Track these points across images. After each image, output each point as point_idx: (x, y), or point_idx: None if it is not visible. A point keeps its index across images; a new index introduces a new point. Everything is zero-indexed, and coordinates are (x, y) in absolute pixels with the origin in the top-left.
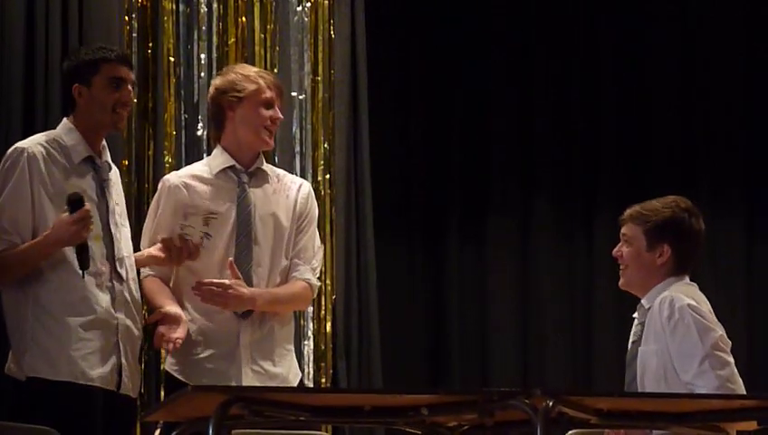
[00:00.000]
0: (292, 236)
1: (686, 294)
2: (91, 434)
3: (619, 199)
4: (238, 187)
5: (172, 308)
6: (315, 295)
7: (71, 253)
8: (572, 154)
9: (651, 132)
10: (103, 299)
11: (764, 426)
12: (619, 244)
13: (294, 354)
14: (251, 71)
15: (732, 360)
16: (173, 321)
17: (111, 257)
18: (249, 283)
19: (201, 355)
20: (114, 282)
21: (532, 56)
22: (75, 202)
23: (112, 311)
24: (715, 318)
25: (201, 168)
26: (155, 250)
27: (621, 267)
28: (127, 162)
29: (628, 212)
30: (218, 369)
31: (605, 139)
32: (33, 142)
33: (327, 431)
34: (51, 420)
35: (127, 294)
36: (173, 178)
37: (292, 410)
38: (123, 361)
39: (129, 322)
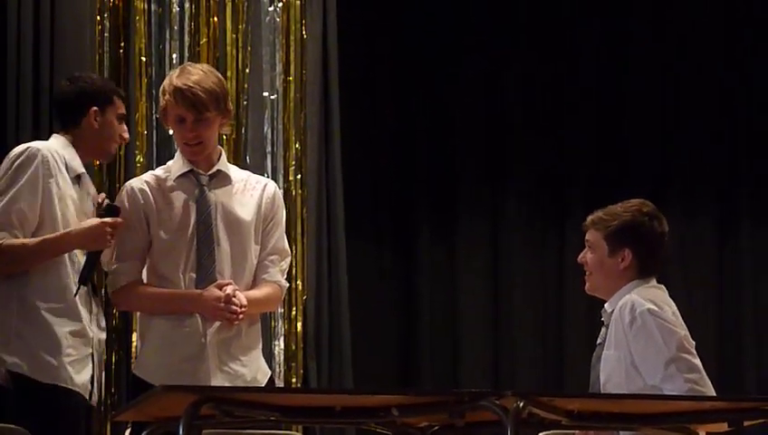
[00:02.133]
0: (259, 236)
1: (646, 298)
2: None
3: (591, 198)
4: (197, 189)
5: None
6: (284, 296)
7: (64, 261)
8: (543, 151)
9: (624, 132)
10: (84, 310)
11: (735, 428)
12: (584, 250)
13: (262, 354)
14: (173, 79)
15: (698, 361)
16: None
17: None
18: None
19: (169, 358)
20: (91, 295)
21: (502, 55)
22: (113, 209)
23: (89, 322)
24: (679, 320)
25: (161, 172)
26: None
27: (587, 273)
28: (98, 162)
29: (590, 218)
30: (186, 370)
31: (577, 136)
32: (43, 145)
33: (298, 431)
34: (31, 421)
35: (96, 307)
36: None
37: (262, 410)
38: (96, 372)
39: (101, 335)
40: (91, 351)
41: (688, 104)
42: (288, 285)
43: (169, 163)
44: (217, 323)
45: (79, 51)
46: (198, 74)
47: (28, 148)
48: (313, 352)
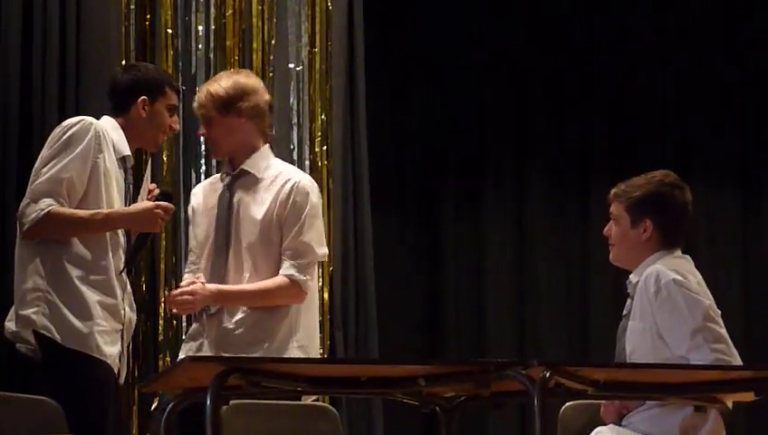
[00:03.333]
0: (278, 231)
1: (671, 268)
2: (107, 407)
3: (613, 169)
4: (220, 192)
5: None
6: (304, 290)
7: (104, 237)
8: (566, 124)
9: (645, 103)
10: (118, 287)
11: (761, 397)
12: (609, 222)
13: (271, 349)
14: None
15: (724, 331)
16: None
17: (126, 251)
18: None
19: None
20: (124, 275)
21: (525, 30)
22: (167, 195)
23: (122, 300)
24: (704, 289)
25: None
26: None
27: (610, 244)
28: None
29: (613, 191)
30: None
31: (598, 109)
32: (96, 121)
33: (324, 401)
34: (60, 391)
35: (129, 287)
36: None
37: (289, 380)
38: (124, 349)
39: (132, 315)
40: (121, 328)
41: (709, 77)
42: (307, 278)
43: None
44: (215, 319)
45: (104, 26)
46: (219, 79)
47: (82, 120)
48: (340, 323)
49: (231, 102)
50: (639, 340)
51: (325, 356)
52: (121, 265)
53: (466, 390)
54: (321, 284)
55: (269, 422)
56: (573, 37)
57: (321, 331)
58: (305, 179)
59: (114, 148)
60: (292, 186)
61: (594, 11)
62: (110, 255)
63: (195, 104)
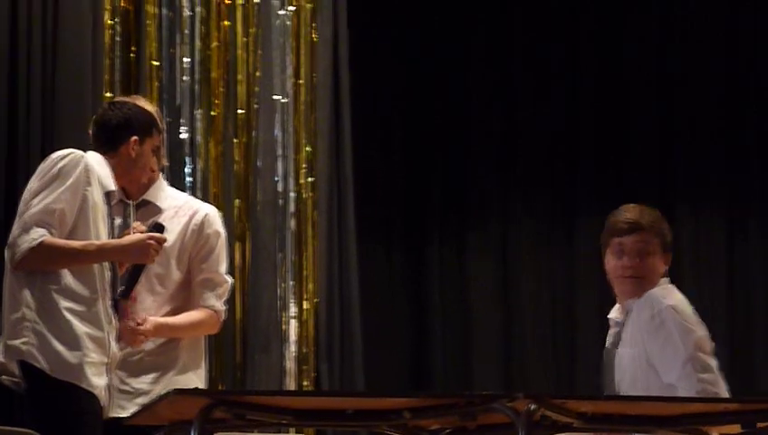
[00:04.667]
0: (184, 262)
1: (665, 296)
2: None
3: (598, 201)
4: (121, 218)
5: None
6: (223, 319)
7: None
8: (551, 157)
9: (630, 132)
10: (105, 321)
11: (748, 430)
12: (630, 254)
13: (195, 375)
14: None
15: (714, 363)
16: None
17: (113, 285)
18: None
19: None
20: (111, 309)
21: (512, 62)
22: (158, 226)
23: (108, 334)
24: (697, 319)
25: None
26: None
27: (631, 276)
28: None
29: (641, 221)
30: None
31: (583, 141)
32: (84, 153)
33: (310, 434)
34: (47, 424)
35: (115, 321)
36: None
37: (274, 413)
38: (109, 382)
39: (116, 349)
40: (107, 361)
41: (695, 102)
42: (225, 308)
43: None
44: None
45: (80, 58)
46: None
47: (72, 152)
48: (325, 355)
49: (117, 129)
50: (629, 367)
51: (311, 388)
52: (109, 299)
53: (452, 423)
54: (306, 316)
55: None
56: (559, 61)
57: (307, 363)
58: (213, 210)
59: (100, 182)
60: (203, 218)
61: (581, 36)
62: (99, 287)
63: None
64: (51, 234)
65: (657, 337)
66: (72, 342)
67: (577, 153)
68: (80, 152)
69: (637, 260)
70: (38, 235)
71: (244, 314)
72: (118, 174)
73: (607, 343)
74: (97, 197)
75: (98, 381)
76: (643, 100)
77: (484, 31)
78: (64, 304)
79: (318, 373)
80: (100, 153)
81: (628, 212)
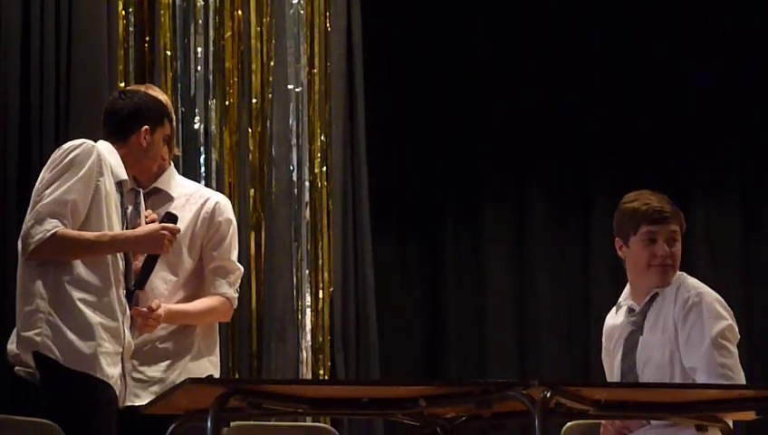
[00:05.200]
0: (196, 250)
1: (697, 283)
2: (110, 430)
3: (613, 186)
4: (134, 208)
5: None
6: (235, 306)
7: (106, 260)
8: (566, 141)
9: (645, 119)
10: (119, 311)
11: (762, 416)
12: (664, 243)
13: (191, 367)
14: None
15: (735, 351)
16: None
17: (126, 275)
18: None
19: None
20: (124, 299)
21: (523, 47)
22: (172, 217)
23: (122, 323)
24: (728, 308)
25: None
26: None
27: (666, 265)
28: None
29: (669, 208)
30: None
31: (598, 126)
32: (96, 143)
33: (326, 422)
34: (63, 414)
35: (129, 311)
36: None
37: (290, 401)
38: (123, 371)
39: (130, 338)
40: (121, 351)
41: (710, 91)
42: (237, 295)
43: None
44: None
45: (96, 48)
46: None
47: (84, 142)
48: (340, 344)
49: (130, 116)
50: (655, 352)
51: (326, 377)
52: (123, 289)
53: (467, 410)
54: (321, 305)
55: None
56: (573, 52)
57: (322, 352)
58: (223, 198)
59: (112, 172)
60: (214, 206)
61: (593, 26)
62: (112, 277)
63: None
64: (64, 225)
65: (687, 321)
66: (86, 332)
67: (592, 136)
68: (91, 142)
69: (668, 248)
70: (51, 226)
71: (260, 304)
72: (128, 163)
73: (628, 329)
74: (109, 187)
75: (112, 370)
76: (657, 83)
77: (497, 12)
78: (77, 294)
79: (333, 362)
80: (111, 142)
81: (655, 200)
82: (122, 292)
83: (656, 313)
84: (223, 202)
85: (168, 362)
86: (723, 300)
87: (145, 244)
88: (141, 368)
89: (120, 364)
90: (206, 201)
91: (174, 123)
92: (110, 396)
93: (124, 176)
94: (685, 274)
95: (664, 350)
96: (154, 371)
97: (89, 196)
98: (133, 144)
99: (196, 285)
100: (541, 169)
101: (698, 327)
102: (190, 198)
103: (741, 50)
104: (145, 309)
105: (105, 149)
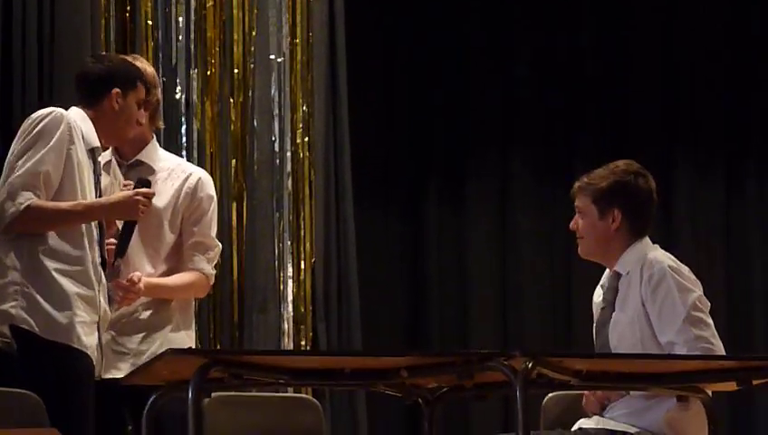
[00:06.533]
0: (177, 225)
1: (664, 256)
2: (88, 399)
3: (598, 158)
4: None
5: None
6: (212, 283)
7: (80, 229)
8: (550, 113)
9: (631, 92)
10: (94, 279)
11: (743, 386)
12: (575, 216)
13: (171, 337)
14: None
15: (710, 320)
16: None
17: (100, 243)
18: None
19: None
20: (99, 267)
21: (513, 20)
22: (145, 182)
23: (98, 292)
24: (694, 277)
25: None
26: None
27: (579, 238)
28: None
29: (576, 184)
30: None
31: (584, 99)
32: (65, 111)
33: (307, 393)
34: (41, 385)
35: (105, 280)
36: None
37: (271, 372)
38: (100, 341)
39: (107, 306)
40: (98, 320)
41: (697, 64)
42: (214, 272)
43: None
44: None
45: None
46: None
47: (52, 111)
48: (322, 315)
49: (98, 82)
50: (627, 330)
51: (308, 348)
52: (98, 258)
53: (449, 381)
54: (303, 275)
55: (252, 414)
56: (562, 27)
57: (304, 322)
58: (205, 174)
59: (84, 139)
60: (197, 181)
61: (586, 14)
62: (87, 246)
63: None
64: (37, 196)
65: (656, 296)
66: (62, 302)
67: (577, 108)
68: (60, 110)
69: (575, 222)
70: (24, 199)
71: (241, 274)
72: (102, 129)
73: (599, 306)
74: (81, 154)
75: (89, 339)
76: (645, 56)
77: None
78: (53, 265)
79: (315, 333)
80: (83, 107)
81: (585, 176)
82: (98, 259)
83: (624, 290)
84: (205, 178)
85: (147, 333)
86: (685, 268)
87: (119, 210)
88: (121, 340)
89: (97, 333)
90: (188, 176)
91: (158, 94)
92: (87, 365)
93: (96, 143)
94: (647, 245)
95: (633, 328)
96: (134, 341)
97: (61, 165)
98: (105, 108)
99: (176, 260)
100: (525, 140)
101: (669, 303)
102: (172, 172)
103: (730, 22)
104: (126, 282)
105: (77, 115)
